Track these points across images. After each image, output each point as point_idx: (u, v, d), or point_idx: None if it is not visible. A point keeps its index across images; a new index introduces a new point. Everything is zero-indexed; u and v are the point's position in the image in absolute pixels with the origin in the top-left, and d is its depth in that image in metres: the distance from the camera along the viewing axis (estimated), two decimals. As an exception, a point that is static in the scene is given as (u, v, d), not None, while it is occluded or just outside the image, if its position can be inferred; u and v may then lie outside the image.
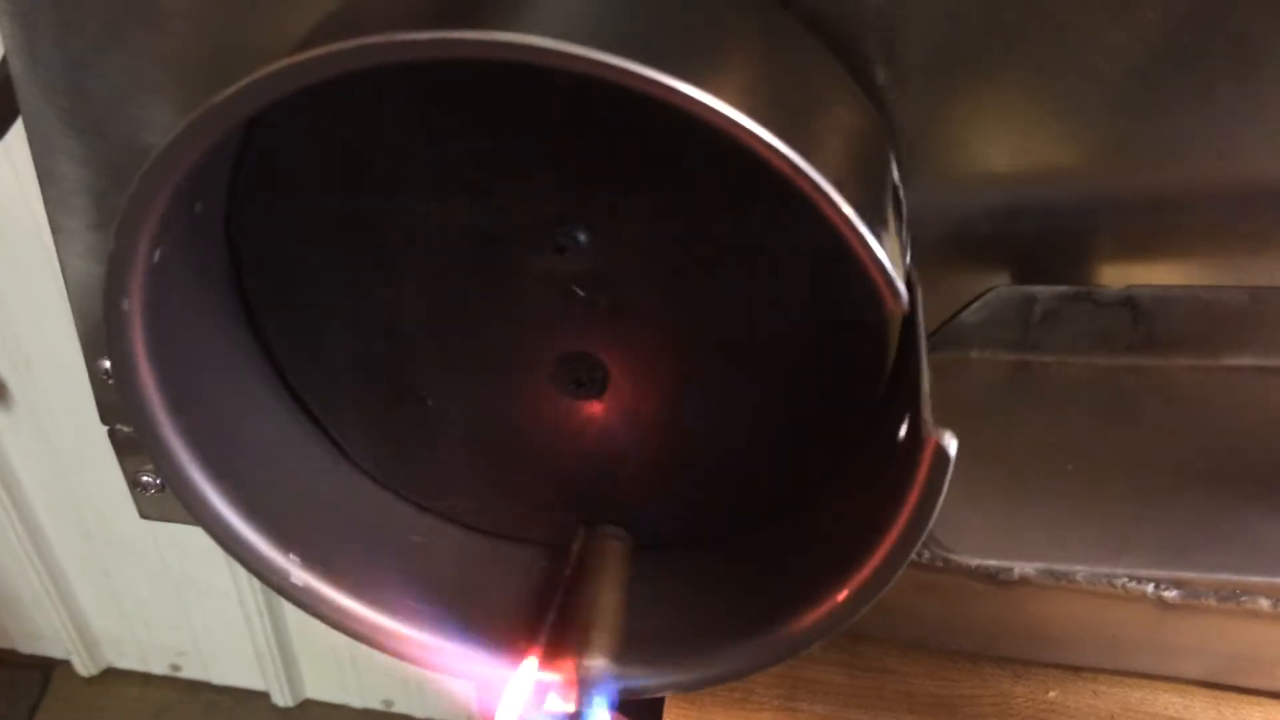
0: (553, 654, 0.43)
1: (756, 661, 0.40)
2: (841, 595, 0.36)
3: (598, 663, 0.40)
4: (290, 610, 1.40)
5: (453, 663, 0.42)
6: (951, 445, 0.31)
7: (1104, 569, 0.43)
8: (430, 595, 0.43)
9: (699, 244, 0.40)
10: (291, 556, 0.40)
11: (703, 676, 0.41)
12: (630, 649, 0.42)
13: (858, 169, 0.34)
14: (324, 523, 0.43)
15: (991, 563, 0.42)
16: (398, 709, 1.51)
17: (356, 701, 1.53)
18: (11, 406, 1.23)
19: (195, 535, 1.30)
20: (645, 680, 0.42)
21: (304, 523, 0.41)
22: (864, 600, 0.35)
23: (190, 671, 1.56)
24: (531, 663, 0.42)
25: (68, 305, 1.05)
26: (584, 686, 0.40)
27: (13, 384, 1.21)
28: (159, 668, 1.56)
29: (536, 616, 0.44)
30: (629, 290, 0.41)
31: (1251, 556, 0.37)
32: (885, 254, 0.30)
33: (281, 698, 1.53)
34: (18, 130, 0.79)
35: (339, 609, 0.41)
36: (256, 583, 1.34)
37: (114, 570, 1.42)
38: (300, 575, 0.40)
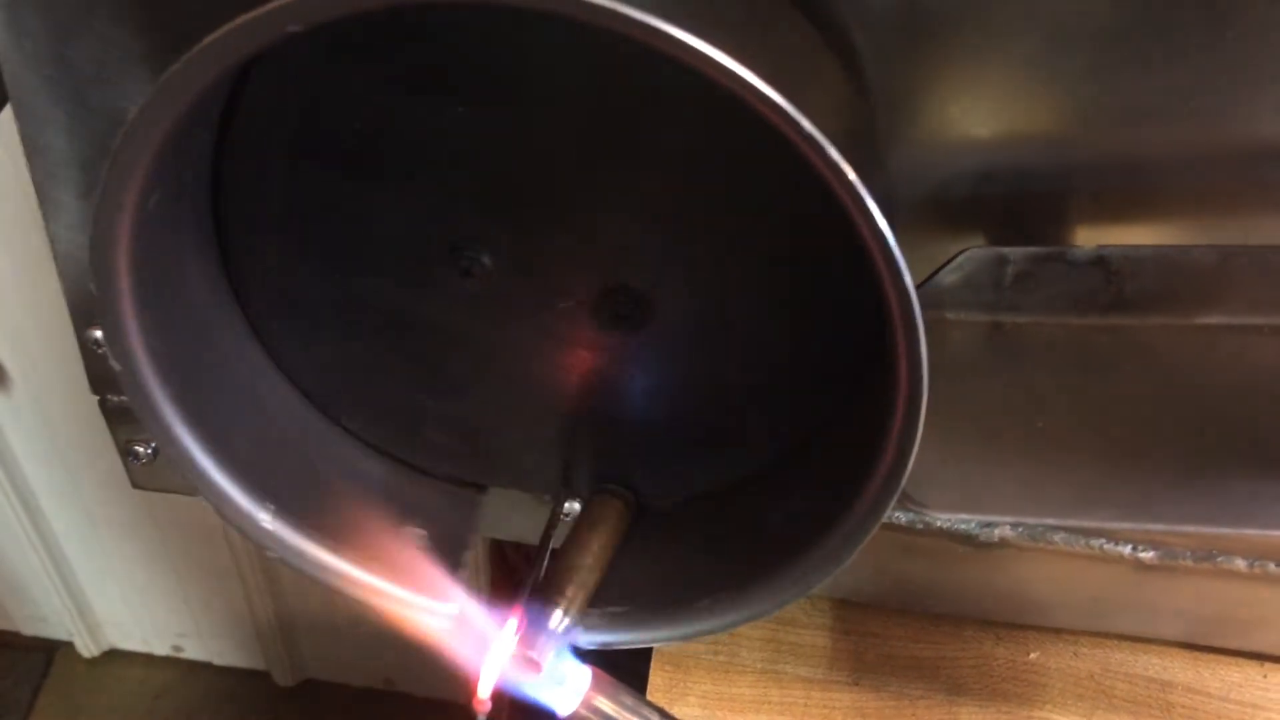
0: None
1: (753, 611, 0.41)
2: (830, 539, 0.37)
3: (568, 619, 0.42)
4: (291, 590, 1.41)
5: (434, 621, 0.42)
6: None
7: (1075, 522, 0.43)
8: (405, 546, 0.44)
9: (697, 210, 0.41)
10: (269, 508, 0.41)
11: (701, 628, 0.42)
12: (617, 603, 0.43)
13: (854, 142, 0.35)
14: (302, 475, 0.44)
15: (964, 517, 0.43)
16: (398, 688, 1.52)
17: (357, 681, 1.53)
18: (10, 389, 1.23)
19: (195, 515, 1.30)
20: (631, 634, 0.43)
21: (284, 476, 0.42)
22: (851, 546, 0.36)
23: (192, 652, 1.56)
24: (514, 624, 0.42)
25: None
26: (555, 641, 0.41)
27: (10, 366, 1.21)
28: (160, 649, 1.57)
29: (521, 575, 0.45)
30: (631, 257, 0.43)
31: (1220, 510, 0.38)
32: (889, 230, 0.31)
33: (283, 677, 1.53)
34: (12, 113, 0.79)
35: (319, 563, 0.42)
36: (258, 563, 1.35)
37: (115, 552, 1.42)
38: (279, 529, 0.40)
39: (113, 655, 1.58)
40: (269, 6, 0.29)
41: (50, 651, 1.57)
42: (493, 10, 0.33)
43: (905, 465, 0.33)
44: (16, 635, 1.57)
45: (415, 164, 0.42)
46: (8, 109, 0.66)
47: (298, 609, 1.45)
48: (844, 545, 0.38)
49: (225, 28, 0.29)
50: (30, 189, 1.01)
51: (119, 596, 1.50)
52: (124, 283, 0.35)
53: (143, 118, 0.31)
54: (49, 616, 1.53)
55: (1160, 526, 0.43)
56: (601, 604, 0.43)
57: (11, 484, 1.33)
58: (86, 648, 1.56)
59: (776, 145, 0.30)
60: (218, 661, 1.56)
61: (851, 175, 0.29)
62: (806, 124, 0.28)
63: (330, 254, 0.44)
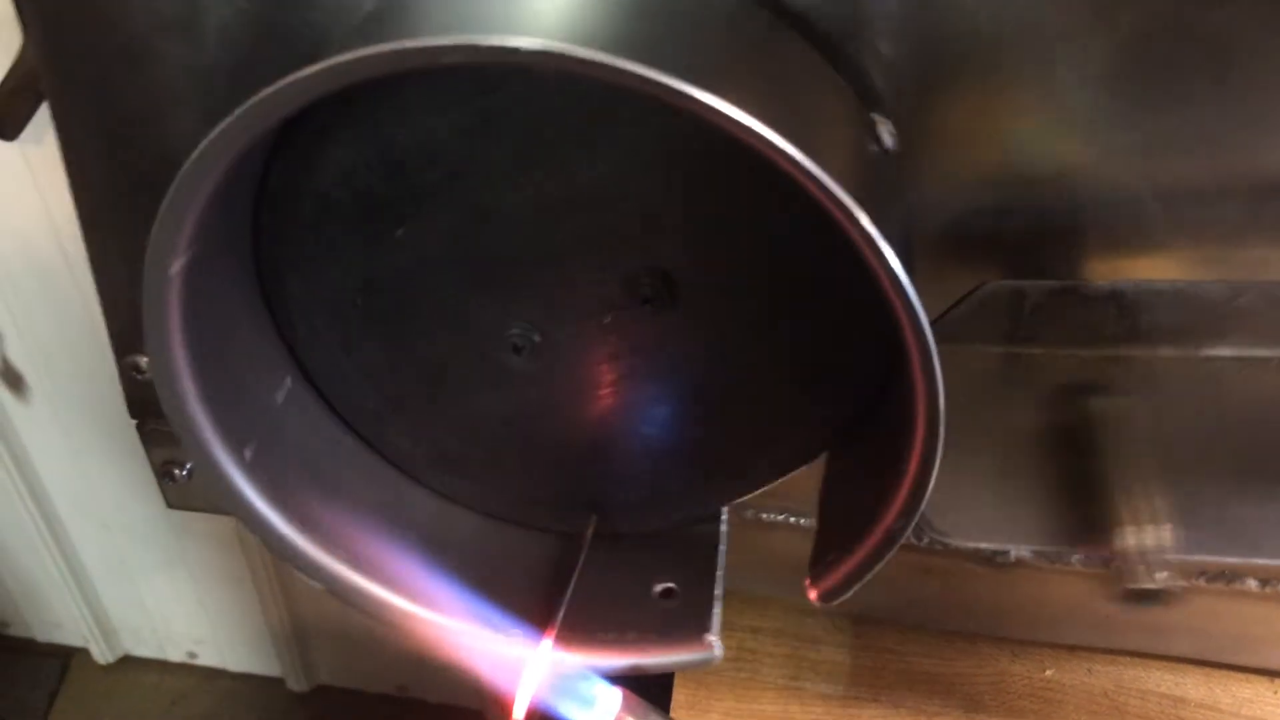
0: (567, 637, 0.45)
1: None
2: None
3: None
4: (305, 598, 1.42)
5: (469, 644, 0.44)
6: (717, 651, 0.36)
7: (1088, 550, 0.45)
8: (448, 580, 0.45)
9: (730, 260, 0.42)
10: (310, 539, 0.42)
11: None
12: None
13: (874, 182, 0.36)
14: (344, 508, 0.45)
15: (983, 545, 0.44)
16: (410, 694, 1.53)
17: (370, 687, 1.54)
18: (30, 400, 1.24)
19: (211, 524, 1.31)
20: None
21: (324, 507, 0.43)
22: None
23: (206, 659, 1.57)
24: (547, 645, 0.44)
25: (84, 303, 1.06)
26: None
27: (31, 378, 1.22)
28: (176, 655, 1.58)
29: (551, 601, 0.46)
30: (646, 347, 0.44)
31: (1229, 539, 0.39)
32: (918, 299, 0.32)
33: (296, 684, 1.54)
34: (35, 134, 0.80)
35: (360, 593, 0.43)
36: (272, 571, 1.36)
37: (131, 559, 1.43)
38: (320, 558, 0.42)
39: (128, 662, 1.59)
40: (313, 67, 0.30)
41: (66, 658, 1.58)
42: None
43: (919, 504, 0.35)
44: (32, 642, 1.58)
45: (423, 293, 0.44)
46: (36, 134, 0.68)
47: (311, 616, 1.46)
48: (855, 575, 0.39)
49: (287, 78, 0.30)
50: (55, 212, 1.02)
51: (134, 603, 1.51)
52: (174, 323, 0.37)
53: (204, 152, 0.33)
54: (65, 623, 1.54)
55: (1172, 556, 0.44)
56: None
57: (30, 491, 1.34)
58: (102, 654, 1.56)
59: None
60: (232, 668, 1.57)
61: (885, 246, 0.30)
62: (836, 188, 0.29)
63: (414, 403, 0.47)
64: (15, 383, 1.23)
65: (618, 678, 0.43)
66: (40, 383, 1.22)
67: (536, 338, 0.45)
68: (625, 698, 0.42)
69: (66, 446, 1.29)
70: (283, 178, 0.41)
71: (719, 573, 0.44)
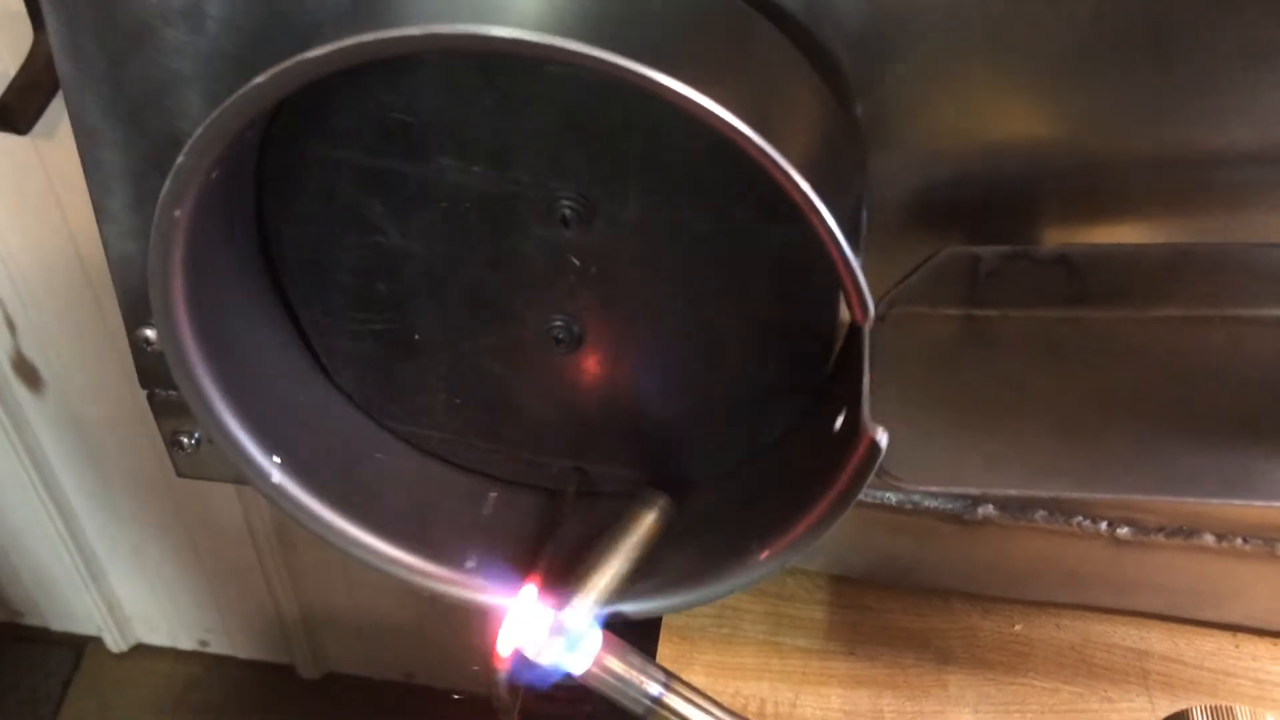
0: (550, 585, 0.47)
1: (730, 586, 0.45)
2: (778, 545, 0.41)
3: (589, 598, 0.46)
4: (314, 586, 1.43)
5: (457, 589, 0.46)
6: (883, 440, 0.37)
7: (1034, 492, 0.47)
8: (437, 529, 0.48)
9: (684, 233, 0.45)
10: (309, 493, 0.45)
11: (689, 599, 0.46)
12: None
13: (836, 176, 0.38)
14: (339, 461, 0.48)
15: (933, 489, 0.47)
16: (418, 681, 1.55)
17: (378, 674, 1.55)
18: (43, 391, 1.26)
19: (221, 514, 1.33)
20: (645, 604, 0.47)
21: (321, 460, 0.46)
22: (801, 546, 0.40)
23: (217, 647, 1.58)
24: (531, 590, 0.46)
25: (95, 295, 1.08)
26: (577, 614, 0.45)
27: (43, 369, 1.24)
28: (187, 644, 1.59)
29: (535, 552, 0.49)
30: (617, 266, 0.46)
31: (1166, 481, 0.41)
32: (860, 271, 0.34)
33: (306, 671, 1.56)
34: (46, 128, 0.83)
35: (356, 541, 0.46)
36: (281, 560, 1.38)
37: (143, 550, 1.44)
38: (321, 510, 0.45)
39: (140, 650, 1.60)
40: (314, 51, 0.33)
41: (79, 646, 1.59)
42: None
43: (863, 293, 0.37)
44: (46, 631, 1.59)
45: (474, 350, 0.49)
46: (48, 128, 0.70)
47: (320, 604, 1.47)
48: (810, 534, 0.42)
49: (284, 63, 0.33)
50: (62, 201, 1.05)
51: (147, 593, 1.52)
52: (177, 286, 0.40)
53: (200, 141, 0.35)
54: (78, 612, 1.55)
55: (1109, 495, 0.46)
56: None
57: (44, 483, 1.35)
58: (115, 643, 1.58)
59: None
60: (243, 655, 1.58)
61: (833, 223, 0.32)
62: (778, 156, 0.31)
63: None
64: (30, 376, 1.24)
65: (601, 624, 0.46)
66: (53, 376, 1.24)
67: (576, 328, 0.48)
68: (605, 638, 0.45)
69: (79, 439, 1.31)
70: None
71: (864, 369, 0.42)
